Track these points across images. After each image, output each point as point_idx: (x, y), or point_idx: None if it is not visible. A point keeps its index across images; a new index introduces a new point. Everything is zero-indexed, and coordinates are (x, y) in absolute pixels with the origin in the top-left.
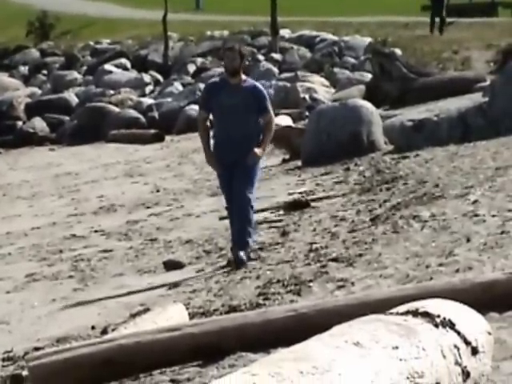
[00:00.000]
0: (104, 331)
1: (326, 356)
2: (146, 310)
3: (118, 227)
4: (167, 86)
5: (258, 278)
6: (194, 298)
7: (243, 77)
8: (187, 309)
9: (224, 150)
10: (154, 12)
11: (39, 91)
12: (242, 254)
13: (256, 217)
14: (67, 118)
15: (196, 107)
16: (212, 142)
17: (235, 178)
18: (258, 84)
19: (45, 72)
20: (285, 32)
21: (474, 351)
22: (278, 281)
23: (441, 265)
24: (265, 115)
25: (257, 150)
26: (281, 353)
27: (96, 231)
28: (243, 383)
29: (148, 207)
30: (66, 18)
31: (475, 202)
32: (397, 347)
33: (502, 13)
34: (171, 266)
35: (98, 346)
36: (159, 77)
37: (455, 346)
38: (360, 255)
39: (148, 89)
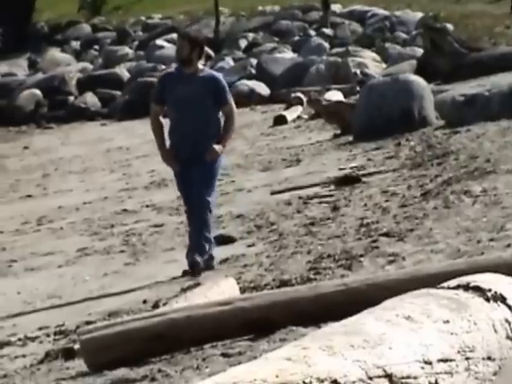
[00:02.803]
0: (155, 305)
1: (377, 330)
2: (197, 285)
3: (169, 202)
4: (218, 61)
5: (309, 252)
6: (245, 273)
7: (200, 66)
8: (238, 283)
9: (180, 145)
10: None
11: (91, 66)
12: (198, 258)
13: (307, 192)
14: (119, 93)
15: (247, 82)
16: (167, 137)
17: (194, 179)
18: (216, 74)
19: (96, 47)
20: (336, 7)
21: None
22: (329, 255)
23: (492, 240)
24: (224, 107)
25: (216, 147)
26: (331, 327)
27: (147, 206)
28: (294, 357)
29: None
30: None
31: None
32: (448, 321)
33: None
34: (222, 240)
35: (149, 320)
36: (210, 52)
37: (506, 321)
38: (411, 230)
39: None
